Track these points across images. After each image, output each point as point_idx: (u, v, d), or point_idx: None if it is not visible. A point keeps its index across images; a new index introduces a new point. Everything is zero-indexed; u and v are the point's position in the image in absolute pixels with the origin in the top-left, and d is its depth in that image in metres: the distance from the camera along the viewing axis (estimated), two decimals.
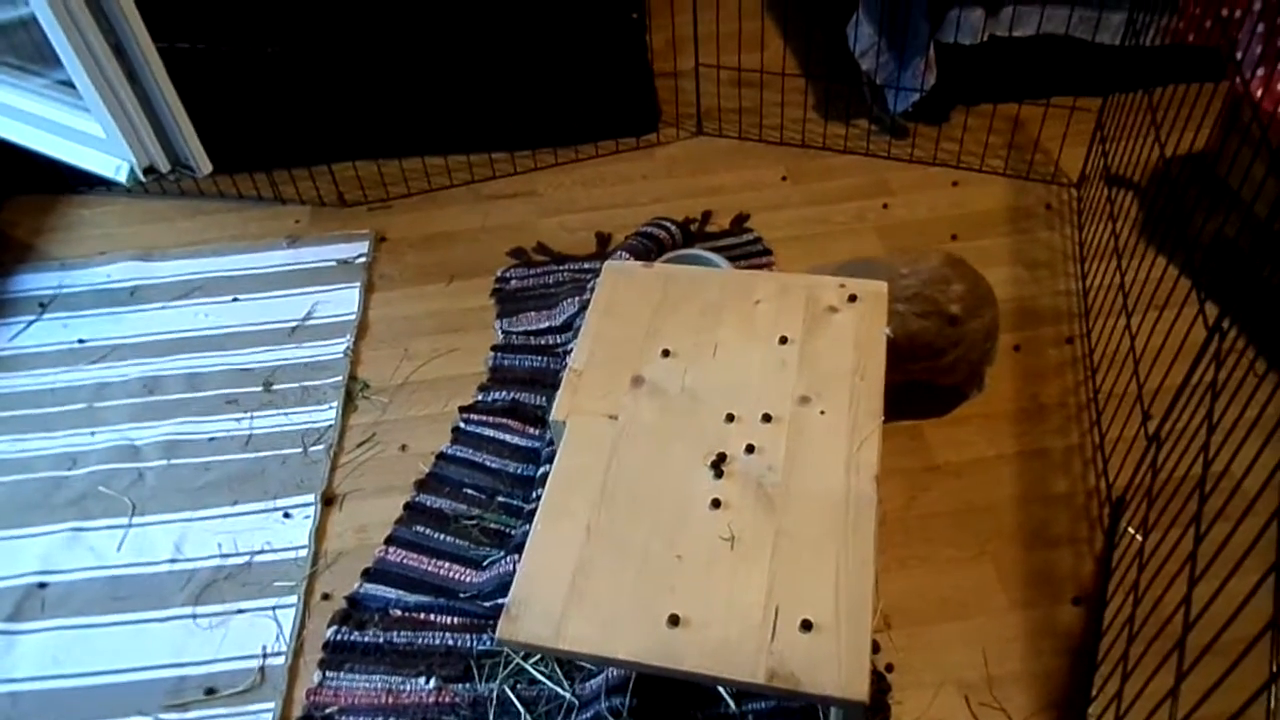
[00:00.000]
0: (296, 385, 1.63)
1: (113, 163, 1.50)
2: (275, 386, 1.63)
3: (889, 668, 1.20)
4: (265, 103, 1.92)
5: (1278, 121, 1.42)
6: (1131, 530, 1.28)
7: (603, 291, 1.26)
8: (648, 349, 1.18)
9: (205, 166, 1.52)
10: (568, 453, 1.07)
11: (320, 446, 1.53)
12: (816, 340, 1.17)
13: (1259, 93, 1.44)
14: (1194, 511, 0.95)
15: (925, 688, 1.18)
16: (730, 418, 1.09)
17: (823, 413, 1.09)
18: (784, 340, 1.17)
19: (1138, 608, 1.08)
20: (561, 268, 1.78)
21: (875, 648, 1.21)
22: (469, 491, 1.44)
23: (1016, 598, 1.26)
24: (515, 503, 1.41)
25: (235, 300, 1.80)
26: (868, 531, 0.98)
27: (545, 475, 1.22)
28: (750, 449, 1.05)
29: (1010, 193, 1.88)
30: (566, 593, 0.95)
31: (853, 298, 1.22)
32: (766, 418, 1.08)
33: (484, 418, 1.53)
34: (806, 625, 0.91)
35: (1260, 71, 1.45)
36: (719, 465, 1.04)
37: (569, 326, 1.63)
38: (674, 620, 0.92)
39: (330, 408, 1.58)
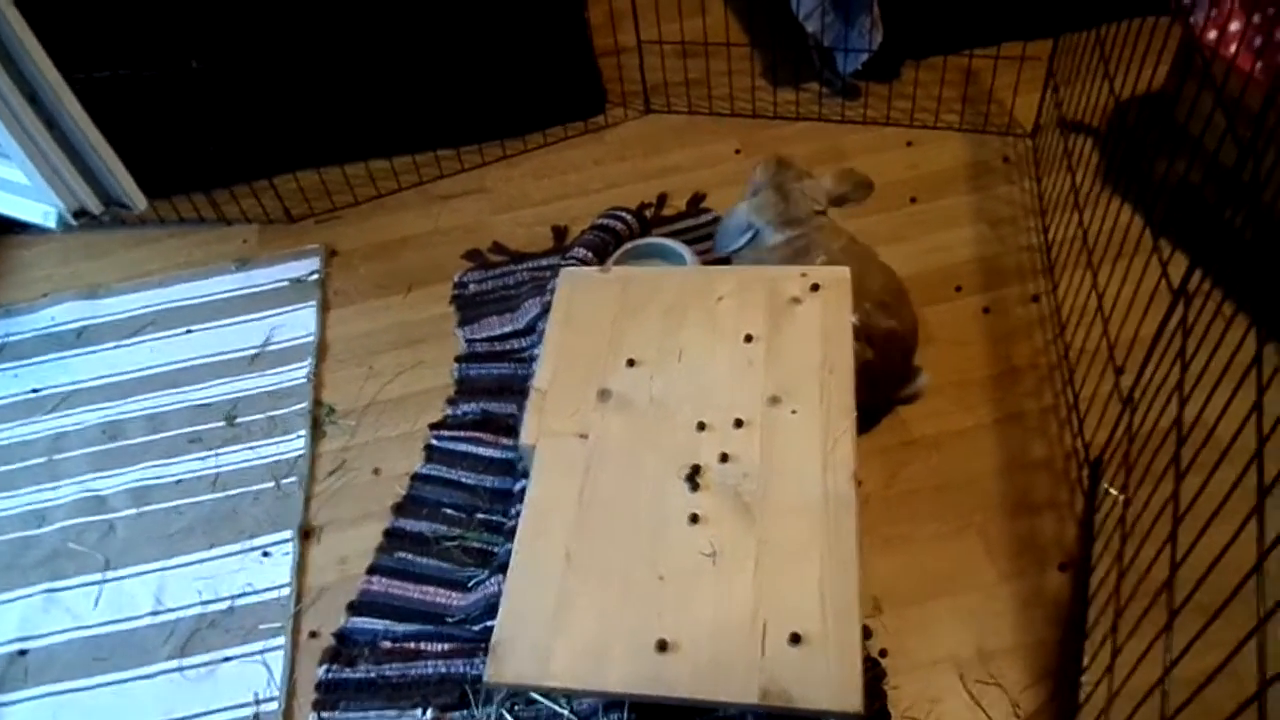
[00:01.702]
0: (261, 416, 1.59)
1: (40, 209, 1.44)
2: (239, 420, 1.59)
3: (882, 653, 1.20)
4: (197, 122, 1.85)
5: (1229, 65, 1.40)
6: (1113, 491, 1.28)
7: (560, 302, 1.23)
8: (612, 360, 1.15)
9: (139, 203, 1.48)
10: (540, 479, 1.05)
11: (292, 479, 1.50)
12: (782, 335, 1.15)
13: (1212, 35, 1.42)
14: (1172, 466, 0.95)
15: (920, 669, 1.19)
16: (701, 426, 1.07)
17: (794, 412, 1.07)
18: (749, 338, 1.15)
19: (1123, 569, 1.08)
20: (520, 267, 1.74)
21: (867, 633, 1.21)
22: (447, 511, 1.42)
23: (1004, 569, 1.26)
24: (495, 518, 1.39)
25: (189, 332, 1.75)
26: (849, 533, 0.97)
27: (523, 490, 1.20)
28: (724, 458, 1.04)
29: (967, 148, 1.85)
30: (550, 626, 0.94)
31: (815, 286, 1.19)
32: (738, 423, 1.07)
33: (455, 433, 1.50)
34: (795, 638, 0.90)
35: (1213, 13, 1.42)
36: (694, 477, 1.03)
37: (532, 329, 1.60)
38: (662, 645, 0.91)
39: (298, 437, 1.55)
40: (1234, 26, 1.42)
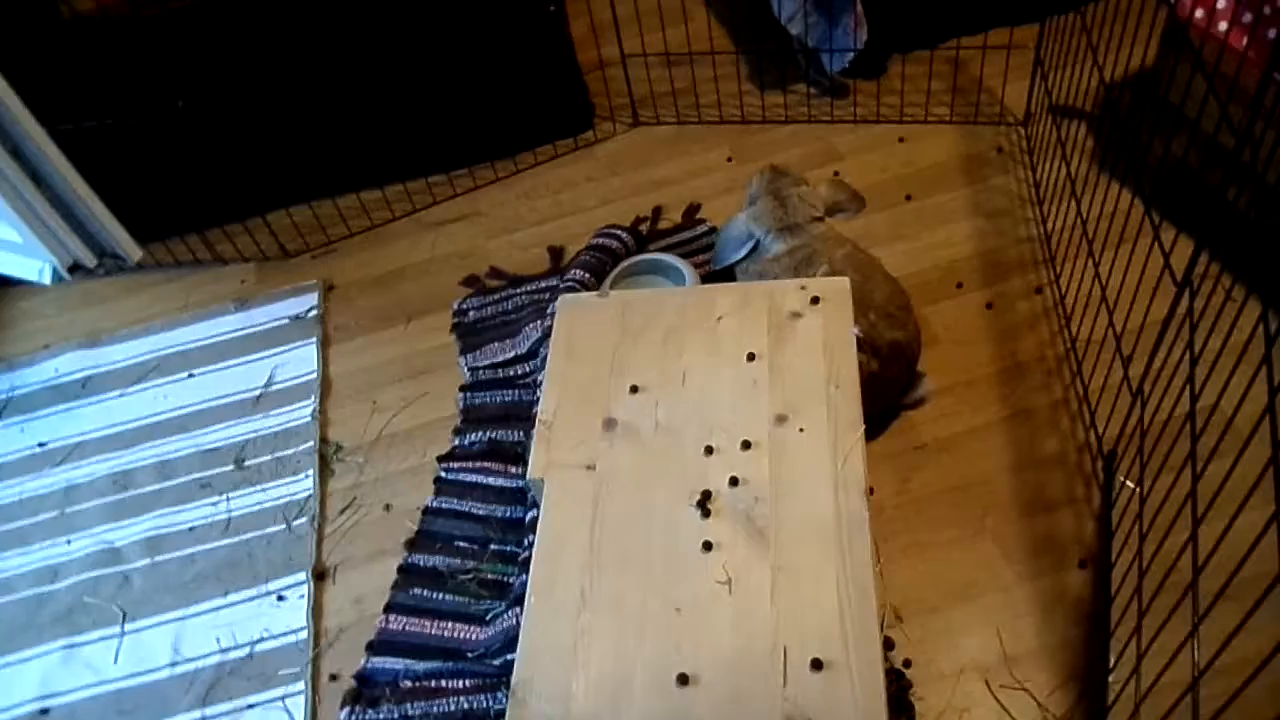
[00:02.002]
0: (269, 458, 1.59)
1: (34, 265, 1.44)
2: (247, 462, 1.59)
3: (906, 663, 1.19)
4: (186, 163, 1.85)
5: (1215, 39, 1.38)
6: (1129, 484, 1.27)
7: (561, 331, 1.23)
8: (615, 387, 1.14)
9: (134, 254, 1.47)
10: (550, 514, 1.05)
11: (303, 519, 1.49)
12: (785, 351, 1.14)
13: (1199, 13, 1.40)
14: (1186, 454, 0.94)
15: (945, 678, 1.18)
16: (709, 450, 1.06)
17: (802, 430, 1.06)
18: (751, 357, 1.14)
19: (1143, 567, 1.07)
20: (518, 291, 1.73)
21: (890, 644, 1.20)
22: (460, 544, 1.41)
23: (1023, 570, 1.25)
24: (509, 549, 1.39)
25: (191, 376, 1.75)
26: (864, 552, 0.96)
27: (534, 520, 1.19)
28: (734, 481, 1.03)
29: (960, 140, 1.84)
30: (569, 665, 0.93)
31: (815, 299, 1.18)
32: (746, 445, 1.06)
33: (464, 464, 1.50)
34: (817, 664, 0.89)
35: None
36: (705, 504, 1.02)
37: (535, 353, 1.59)
38: (683, 679, 0.90)
39: (306, 476, 1.55)
40: (1221, 3, 1.41)
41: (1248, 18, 1.39)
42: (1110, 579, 1.21)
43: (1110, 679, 1.12)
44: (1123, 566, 1.20)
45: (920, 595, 1.25)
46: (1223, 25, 1.40)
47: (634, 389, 1.13)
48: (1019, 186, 1.73)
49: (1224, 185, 1.01)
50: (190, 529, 1.52)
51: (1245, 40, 1.36)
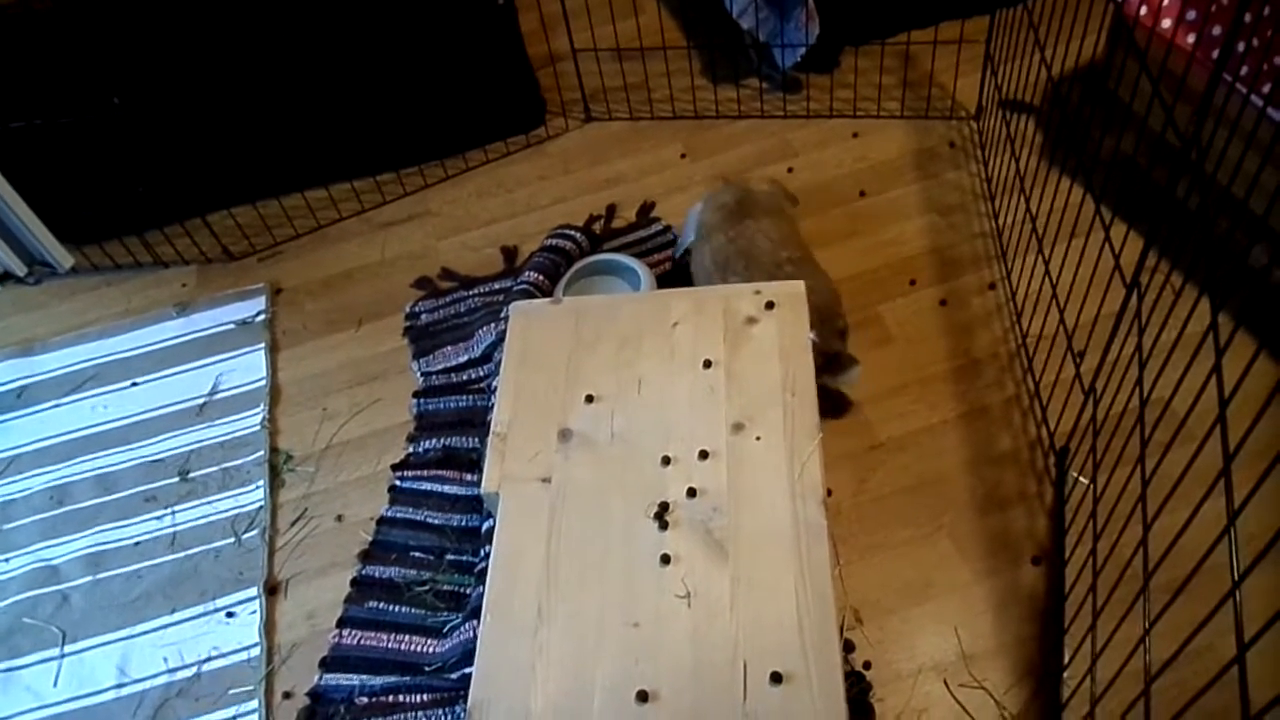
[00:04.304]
0: (216, 469, 1.54)
1: None
2: (192, 474, 1.54)
3: (866, 665, 1.19)
4: (122, 162, 1.78)
5: (1162, 38, 1.40)
6: (1082, 480, 1.29)
7: (514, 338, 1.20)
8: (570, 397, 1.12)
9: (65, 261, 1.42)
10: (505, 529, 1.03)
11: (253, 532, 1.45)
12: (741, 358, 1.13)
13: (1141, 9, 1.41)
14: (1137, 445, 0.95)
15: (904, 678, 1.18)
16: (666, 460, 1.05)
17: (759, 438, 1.05)
18: (708, 364, 1.13)
19: (1097, 560, 1.08)
20: (471, 293, 1.70)
21: (850, 647, 1.20)
22: (416, 554, 1.39)
23: (979, 568, 1.26)
24: (465, 558, 1.36)
25: (133, 385, 1.69)
26: (822, 562, 0.96)
27: (491, 530, 1.17)
28: (692, 493, 1.02)
29: (912, 135, 1.84)
30: (527, 684, 0.92)
31: (770, 305, 1.17)
32: (703, 454, 1.05)
33: (418, 472, 1.47)
34: (777, 678, 0.88)
35: None
36: (662, 515, 1.01)
37: (489, 357, 1.57)
38: (642, 696, 0.89)
39: (256, 487, 1.51)
40: (1165, 1, 1.42)
41: (1192, 15, 1.40)
42: (1064, 575, 1.22)
43: (1065, 675, 1.14)
44: (1076, 563, 1.21)
45: (879, 596, 1.25)
46: (1167, 23, 1.41)
47: (589, 398, 1.12)
48: (971, 181, 1.74)
49: (1172, 183, 1.02)
50: (135, 544, 1.47)
51: (1191, 38, 1.38)
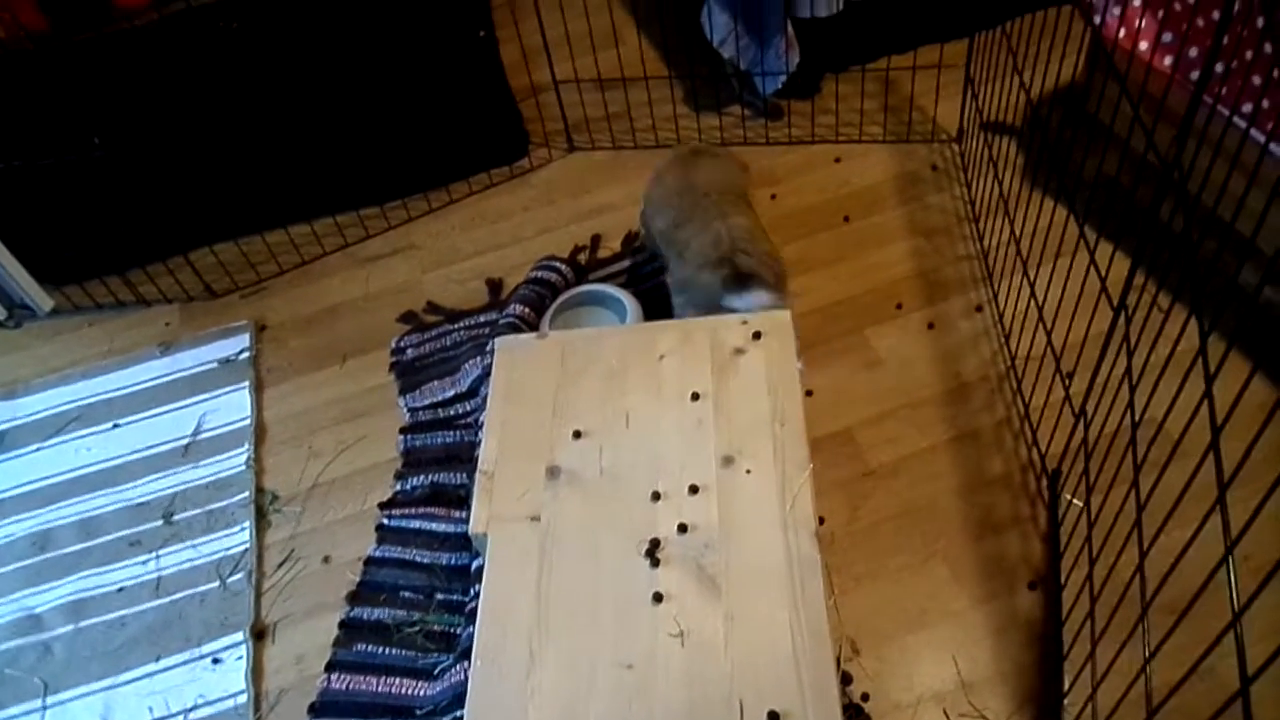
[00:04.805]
0: (200, 511, 1.52)
1: None
2: (177, 517, 1.52)
3: (864, 697, 1.18)
4: (103, 201, 1.77)
5: (1140, 60, 1.41)
6: (1076, 502, 1.28)
7: (499, 374, 1.19)
8: (557, 433, 1.11)
9: (44, 305, 1.40)
10: (494, 570, 1.01)
11: (239, 575, 1.43)
12: (728, 390, 1.12)
13: (1119, 33, 1.42)
14: (1130, 467, 0.94)
15: (903, 709, 1.17)
16: (656, 496, 1.04)
17: (749, 471, 1.04)
18: (696, 396, 1.12)
19: (1093, 584, 1.07)
20: (456, 326, 1.69)
21: (847, 679, 1.18)
22: (405, 594, 1.37)
23: (975, 594, 1.25)
24: (455, 598, 1.34)
25: (115, 426, 1.67)
26: (817, 597, 0.94)
27: (480, 568, 1.15)
28: (683, 528, 1.00)
29: (894, 159, 1.85)
30: None
31: (757, 334, 1.17)
32: (693, 489, 1.03)
33: (406, 510, 1.45)
34: (774, 716, 0.87)
35: (1116, 11, 1.42)
36: (653, 553, 0.99)
37: (475, 391, 1.55)
38: None
39: (242, 529, 1.48)
40: (1142, 24, 1.43)
41: (1169, 37, 1.41)
42: (1061, 600, 1.21)
43: (1065, 702, 1.12)
44: (1073, 587, 1.20)
45: (876, 625, 1.24)
46: (1144, 45, 1.42)
47: (577, 434, 1.10)
48: (955, 204, 1.75)
49: (1156, 204, 1.02)
50: (119, 590, 1.45)
51: (1169, 60, 1.39)
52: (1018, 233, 1.50)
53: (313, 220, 1.91)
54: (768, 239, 1.41)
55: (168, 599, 1.42)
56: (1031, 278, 1.43)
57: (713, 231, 1.35)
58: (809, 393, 1.49)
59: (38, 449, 1.67)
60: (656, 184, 1.56)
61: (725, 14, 1.79)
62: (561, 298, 1.58)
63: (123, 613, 1.42)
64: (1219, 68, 1.30)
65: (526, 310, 1.58)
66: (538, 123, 2.01)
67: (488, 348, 1.55)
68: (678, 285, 1.40)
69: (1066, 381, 1.31)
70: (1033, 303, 1.40)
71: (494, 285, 1.75)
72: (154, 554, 1.48)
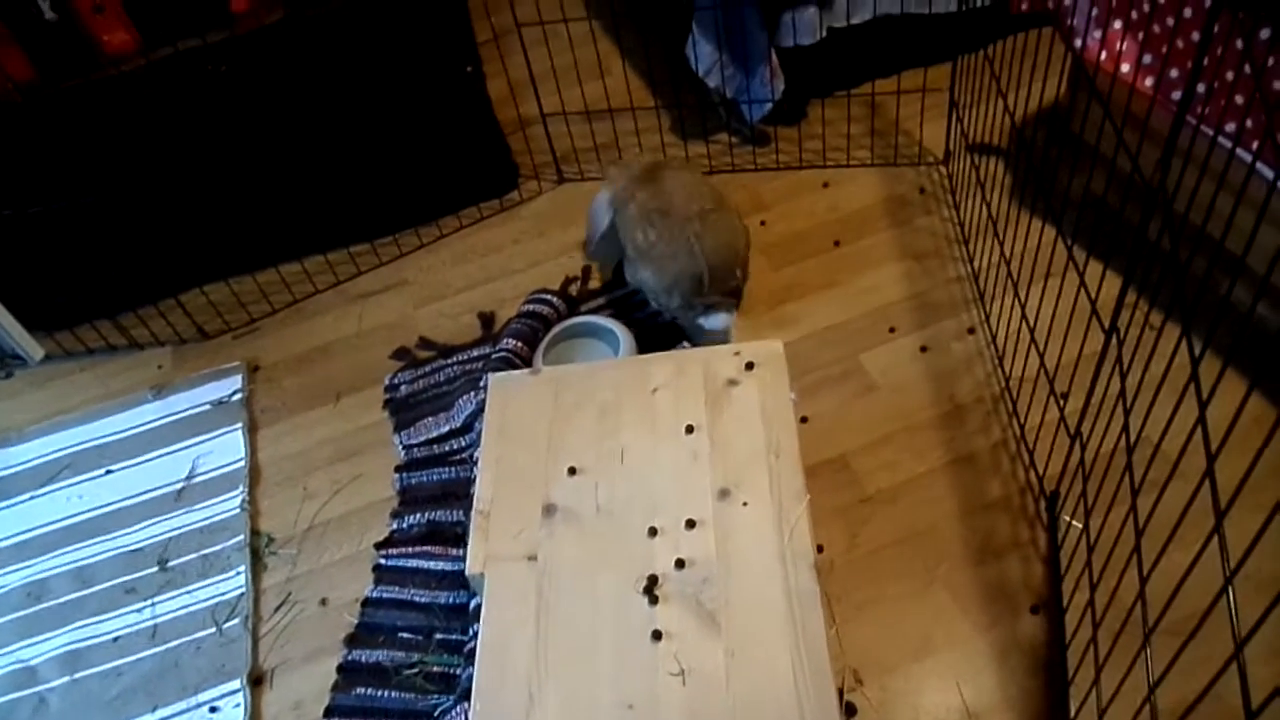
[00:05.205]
0: (195, 556, 1.51)
1: None
2: (172, 563, 1.51)
3: None
4: (93, 246, 1.77)
5: (1122, 81, 1.42)
6: (1075, 524, 1.27)
7: (493, 411, 1.19)
8: (552, 470, 1.11)
9: (35, 354, 1.40)
10: (492, 611, 1.00)
11: (235, 621, 1.42)
12: (723, 422, 1.12)
13: (1101, 55, 1.43)
14: (1128, 486, 0.94)
15: None
16: (653, 531, 1.03)
17: (745, 504, 1.04)
18: (690, 429, 1.11)
19: (1095, 608, 1.07)
20: (450, 361, 1.69)
21: (851, 710, 1.17)
22: (404, 635, 1.35)
23: (977, 620, 1.24)
24: (454, 637, 1.33)
25: (109, 473, 1.66)
26: (818, 631, 0.93)
27: (479, 607, 1.14)
28: (680, 564, 1.00)
29: (882, 182, 1.86)
30: None
31: (750, 365, 1.17)
32: (690, 524, 1.03)
33: (403, 549, 1.44)
34: None
35: (1097, 34, 1.44)
36: (652, 589, 0.98)
37: (470, 427, 1.55)
38: None
39: (237, 573, 1.47)
40: (1123, 47, 1.44)
41: (1149, 59, 1.42)
42: (1064, 624, 1.20)
43: None
44: (1076, 610, 1.20)
45: (878, 654, 1.23)
46: (1126, 67, 1.43)
47: (572, 471, 1.10)
48: (944, 226, 1.75)
49: (1144, 224, 1.03)
50: (115, 640, 1.43)
51: (1150, 82, 1.40)
52: (1007, 254, 1.50)
53: (304, 258, 1.91)
54: (737, 239, 1.50)
55: (164, 647, 1.41)
56: (1023, 299, 1.44)
57: (680, 260, 1.44)
58: (804, 419, 1.48)
59: (31, 497, 1.65)
60: (625, 209, 1.57)
61: (710, 44, 1.80)
62: (554, 330, 1.58)
63: (119, 662, 1.40)
64: (1200, 88, 1.31)
65: (519, 344, 1.57)
66: (526, 155, 2.02)
67: (481, 383, 1.55)
68: (635, 274, 1.54)
69: (1061, 402, 1.30)
70: (1024, 324, 1.40)
71: (486, 319, 1.75)
72: (149, 601, 1.47)
